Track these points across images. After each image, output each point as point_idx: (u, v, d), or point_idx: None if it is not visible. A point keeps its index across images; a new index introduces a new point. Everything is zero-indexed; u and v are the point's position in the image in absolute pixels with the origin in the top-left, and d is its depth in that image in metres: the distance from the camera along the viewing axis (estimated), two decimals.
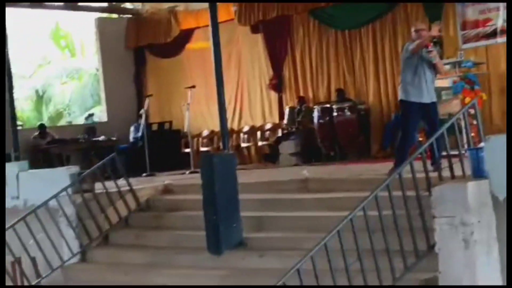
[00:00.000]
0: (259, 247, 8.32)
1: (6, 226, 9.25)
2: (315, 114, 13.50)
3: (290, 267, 6.27)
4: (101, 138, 15.50)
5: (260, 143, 14.96)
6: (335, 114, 13.37)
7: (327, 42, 14.41)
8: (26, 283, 9.45)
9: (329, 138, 13.37)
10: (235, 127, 15.43)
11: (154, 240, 9.52)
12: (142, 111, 14.24)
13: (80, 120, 19.80)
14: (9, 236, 9.28)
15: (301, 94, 14.65)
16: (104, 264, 9.53)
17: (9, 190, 10.13)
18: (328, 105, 13.61)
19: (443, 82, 11.10)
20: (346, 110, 13.38)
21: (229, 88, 13.46)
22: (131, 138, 15.09)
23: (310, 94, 14.64)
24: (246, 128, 15.46)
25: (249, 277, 7.78)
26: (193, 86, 13.63)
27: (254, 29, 15.21)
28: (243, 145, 15.21)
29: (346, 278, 6.41)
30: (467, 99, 10.65)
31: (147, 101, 14.39)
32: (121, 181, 10.14)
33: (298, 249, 7.40)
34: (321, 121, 13.41)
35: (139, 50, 17.14)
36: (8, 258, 9.42)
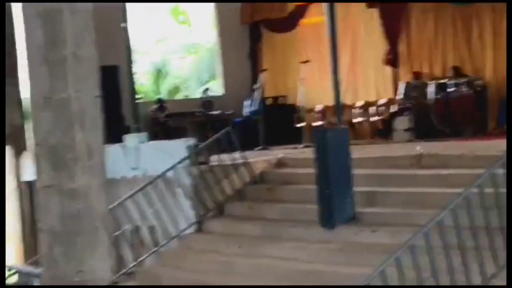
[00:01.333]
0: (371, 222, 8.36)
1: (126, 196, 9.60)
2: (431, 89, 13.35)
3: (403, 243, 6.29)
4: (217, 112, 15.79)
5: (373, 119, 14.90)
6: (450, 90, 13.20)
7: (444, 17, 14.19)
8: (144, 251, 9.82)
9: (444, 114, 13.21)
10: (348, 102, 15.42)
11: (267, 212, 9.70)
12: (257, 85, 14.42)
13: (196, 94, 20.18)
14: (129, 205, 9.65)
15: (416, 69, 14.49)
16: (219, 234, 9.78)
17: (129, 161, 10.47)
18: (443, 81, 13.44)
19: None
20: (462, 86, 13.17)
21: (343, 63, 13.46)
22: (245, 112, 15.30)
23: (425, 70, 14.47)
24: (359, 103, 15.42)
25: (360, 251, 7.85)
26: (308, 61, 13.70)
27: (370, 4, 15.11)
28: (356, 120, 15.18)
29: (459, 255, 6.40)
30: None
31: (262, 76, 14.56)
32: (236, 154, 10.34)
33: (410, 225, 7.41)
34: (436, 97, 13.26)
35: (255, 25, 17.30)
36: (128, 227, 9.80)
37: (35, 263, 8.71)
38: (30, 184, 13.04)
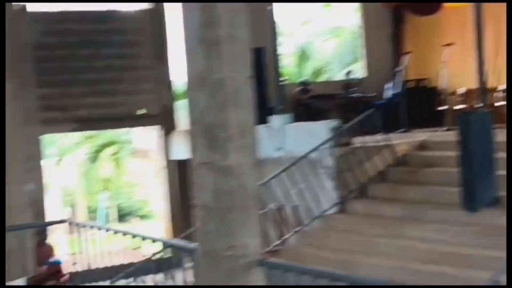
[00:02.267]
0: None
1: (271, 175, 9.89)
2: None
3: None
4: (358, 94, 15.88)
5: None
6: None
7: None
8: (287, 230, 10.10)
9: None
10: (491, 85, 15.13)
11: (408, 194, 9.78)
12: (399, 68, 14.42)
13: (339, 76, 20.31)
14: (274, 184, 9.93)
15: None
16: (361, 215, 9.94)
17: (274, 141, 10.74)
18: None
19: None
20: None
21: (486, 47, 13.25)
22: (386, 95, 15.32)
23: None
24: (501, 87, 15.13)
25: (503, 235, 7.82)
26: (451, 44, 13.59)
27: None
28: (499, 103, 14.91)
29: None
30: None
31: (404, 58, 14.55)
32: (378, 136, 10.45)
33: None
34: None
35: (397, 8, 17.24)
36: (273, 206, 10.11)
37: (186, 239, 9.14)
38: (179, 162, 13.60)
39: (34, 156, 12.64)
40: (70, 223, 8.26)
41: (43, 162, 13.25)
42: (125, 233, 7.26)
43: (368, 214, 9.83)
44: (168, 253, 6.88)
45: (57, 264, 10.96)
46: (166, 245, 6.76)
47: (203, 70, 5.22)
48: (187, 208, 12.96)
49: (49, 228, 9.24)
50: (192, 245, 6.46)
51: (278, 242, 9.89)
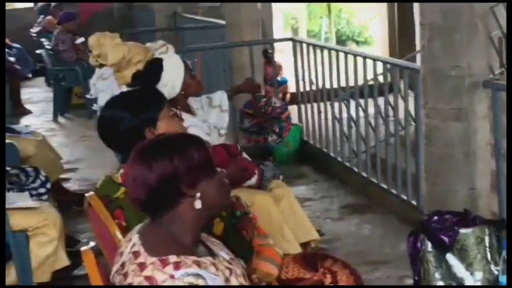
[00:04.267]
0: None
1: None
2: None
3: None
4: None
5: None
6: None
7: None
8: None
9: None
10: None
11: None
12: None
13: None
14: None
15: None
16: None
17: None
18: None
19: None
20: None
21: None
22: None
23: None
24: None
25: None
26: None
27: None
28: None
29: None
30: None
31: None
32: None
33: None
34: None
35: None
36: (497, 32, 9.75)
37: (410, 59, 9.11)
38: None
39: None
40: (294, 41, 8.47)
41: None
42: (347, 53, 7.36)
43: None
44: (387, 77, 6.92)
45: (284, 83, 11.36)
46: (388, 65, 6.78)
47: None
48: (406, 33, 12.86)
49: (275, 47, 9.54)
50: (416, 65, 6.48)
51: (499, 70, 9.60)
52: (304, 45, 8.16)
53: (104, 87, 6.14)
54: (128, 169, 2.63)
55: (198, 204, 2.57)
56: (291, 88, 10.07)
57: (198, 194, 2.56)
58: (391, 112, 6.70)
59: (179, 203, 2.56)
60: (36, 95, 13.20)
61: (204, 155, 2.59)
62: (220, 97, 5.33)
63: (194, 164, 2.55)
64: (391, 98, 6.61)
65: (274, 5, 12.24)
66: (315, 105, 8.00)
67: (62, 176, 7.25)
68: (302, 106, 8.34)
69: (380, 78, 7.07)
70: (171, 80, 4.82)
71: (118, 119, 3.42)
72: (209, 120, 5.14)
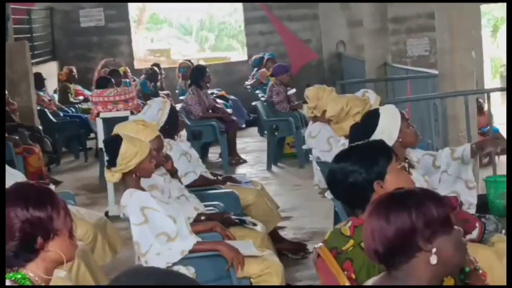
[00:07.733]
0: None
1: None
2: None
3: None
4: None
5: None
6: None
7: None
8: None
9: None
10: None
11: None
12: None
13: None
14: None
15: None
16: None
17: None
18: None
19: None
20: None
21: None
22: None
23: None
24: None
25: None
26: None
27: None
28: None
29: None
30: None
31: None
32: None
33: None
34: None
35: None
36: None
37: None
38: None
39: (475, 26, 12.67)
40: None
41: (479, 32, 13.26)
42: None
43: None
44: None
45: (496, 132, 11.09)
46: None
47: None
48: None
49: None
50: None
51: None
52: None
53: (314, 145, 6.77)
54: (366, 221, 2.70)
55: (434, 260, 2.59)
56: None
57: (434, 250, 2.59)
58: None
59: (415, 257, 2.60)
60: (250, 145, 13.65)
61: (442, 211, 2.62)
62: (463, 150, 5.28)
63: (432, 219, 2.59)
64: None
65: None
66: None
67: (279, 224, 7.41)
68: None
69: None
70: (388, 128, 4.81)
71: (348, 173, 3.50)
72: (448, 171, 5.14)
